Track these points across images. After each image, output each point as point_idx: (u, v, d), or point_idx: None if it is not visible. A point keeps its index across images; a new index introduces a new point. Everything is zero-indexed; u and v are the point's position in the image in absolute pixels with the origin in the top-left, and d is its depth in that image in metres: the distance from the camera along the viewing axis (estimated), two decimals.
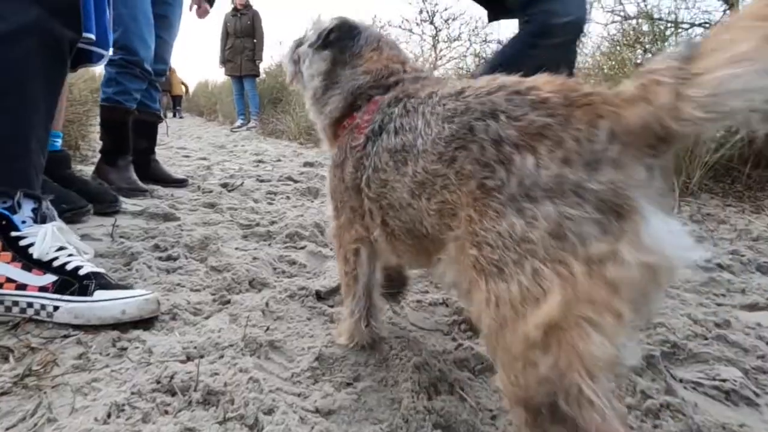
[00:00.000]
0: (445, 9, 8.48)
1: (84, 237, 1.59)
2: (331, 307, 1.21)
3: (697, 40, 0.50)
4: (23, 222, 1.04)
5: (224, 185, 2.91)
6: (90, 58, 2.13)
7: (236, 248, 1.69)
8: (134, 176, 2.61)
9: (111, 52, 2.12)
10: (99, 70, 3.85)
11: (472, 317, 0.75)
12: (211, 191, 2.65)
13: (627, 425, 0.61)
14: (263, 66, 9.12)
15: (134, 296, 1.00)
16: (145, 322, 0.99)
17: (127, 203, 2.24)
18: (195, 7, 3.13)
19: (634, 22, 4.17)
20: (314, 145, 5.75)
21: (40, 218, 1.06)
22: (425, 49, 8.85)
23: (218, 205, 2.33)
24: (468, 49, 8.51)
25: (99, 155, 2.64)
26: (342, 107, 0.93)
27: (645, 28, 3.54)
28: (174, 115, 14.41)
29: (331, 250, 1.71)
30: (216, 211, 2.22)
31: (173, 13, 2.83)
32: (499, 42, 4.83)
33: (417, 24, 8.39)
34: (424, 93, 0.78)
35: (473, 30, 8.42)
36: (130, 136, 2.62)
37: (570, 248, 0.52)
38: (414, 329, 1.14)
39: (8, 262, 1.00)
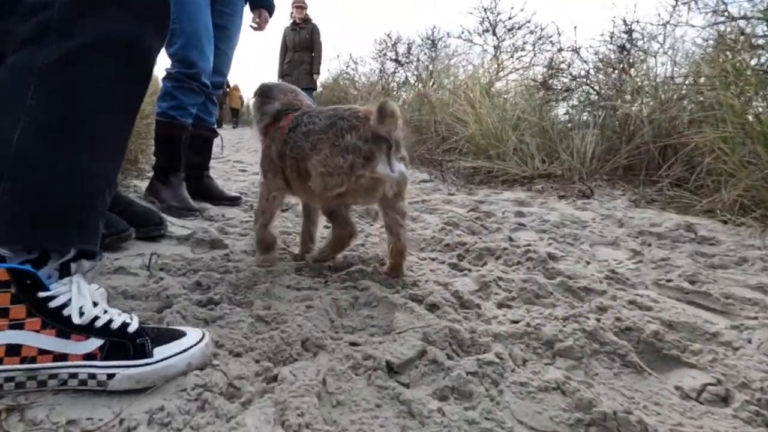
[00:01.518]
0: (509, 18, 8.07)
1: (119, 270, 1.40)
2: (407, 386, 0.92)
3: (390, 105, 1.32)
4: (49, 277, 0.82)
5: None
6: None
7: (288, 286, 1.44)
8: (186, 194, 2.47)
9: None
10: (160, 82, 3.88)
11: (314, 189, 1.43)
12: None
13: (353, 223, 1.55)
14: (320, 80, 9.12)
15: (195, 344, 0.90)
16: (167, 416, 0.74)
17: (175, 225, 2.07)
18: (257, 19, 2.97)
19: (734, 23, 3.65)
20: None
21: (63, 269, 0.84)
22: (486, 60, 8.49)
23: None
24: (533, 59, 8.07)
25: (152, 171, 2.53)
26: (269, 120, 1.66)
27: (760, 29, 3.03)
28: (234, 126, 14.86)
29: (396, 293, 1.42)
30: None
31: (233, 23, 2.69)
32: (574, 49, 4.41)
33: (479, 34, 8.05)
34: (315, 111, 1.53)
35: (539, 39, 7.98)
36: (184, 152, 2.48)
37: (354, 171, 1.31)
38: (522, 430, 0.82)
39: (38, 330, 0.78)
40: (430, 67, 8.16)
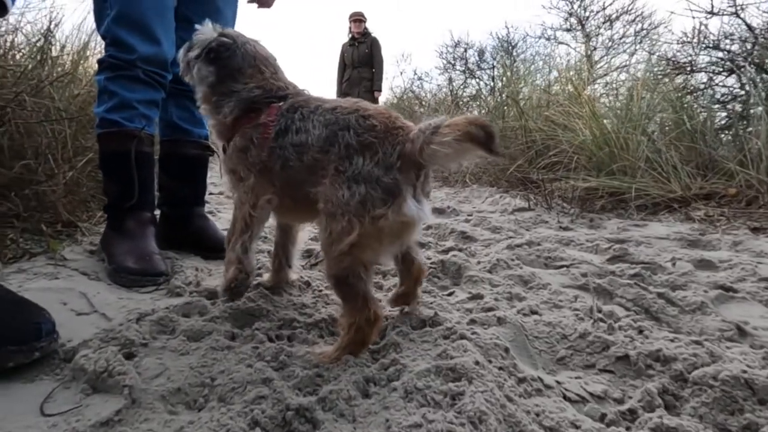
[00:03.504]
0: (603, 8, 6.76)
1: None
2: None
3: (442, 121, 0.94)
4: None
5: (308, 253, 1.78)
6: None
7: None
8: (151, 247, 1.55)
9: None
10: None
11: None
12: (260, 275, 1.46)
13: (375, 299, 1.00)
14: (383, 98, 8.28)
15: None
16: None
17: (95, 311, 1.13)
18: None
19: None
20: (443, 184, 4.46)
21: None
22: (573, 61, 7.19)
23: (256, 320, 1.11)
24: (633, 55, 6.68)
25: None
26: (238, 112, 1.24)
27: None
28: None
29: None
30: (238, 345, 0.99)
31: None
32: (733, 12, 3.06)
33: (566, 30, 6.81)
34: (309, 105, 1.15)
35: (641, 30, 6.59)
36: (145, 176, 1.58)
37: (367, 210, 0.94)
38: None
39: None
40: (508, 74, 7.00)
